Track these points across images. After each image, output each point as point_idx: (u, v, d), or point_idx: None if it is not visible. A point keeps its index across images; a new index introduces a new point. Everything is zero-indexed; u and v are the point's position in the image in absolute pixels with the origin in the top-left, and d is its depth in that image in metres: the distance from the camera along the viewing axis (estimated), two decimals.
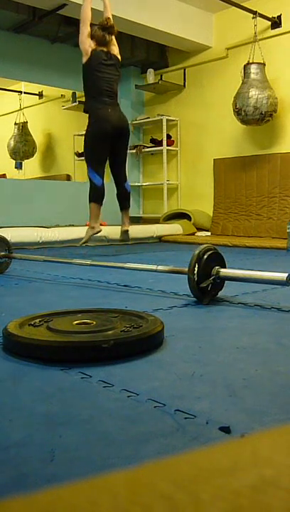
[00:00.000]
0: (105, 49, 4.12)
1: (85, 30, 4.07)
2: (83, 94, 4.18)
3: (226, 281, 2.08)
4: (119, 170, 4.35)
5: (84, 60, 4.08)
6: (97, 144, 4.11)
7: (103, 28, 4.07)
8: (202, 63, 6.49)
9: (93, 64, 4.05)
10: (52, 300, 2.21)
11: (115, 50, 4.20)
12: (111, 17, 4.21)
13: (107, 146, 4.12)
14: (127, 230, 4.34)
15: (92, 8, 4.24)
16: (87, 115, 4.14)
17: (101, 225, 4.39)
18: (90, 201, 4.19)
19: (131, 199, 4.46)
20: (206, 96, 6.50)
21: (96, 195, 4.16)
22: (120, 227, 4.45)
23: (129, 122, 7.03)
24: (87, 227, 4.30)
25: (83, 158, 7.54)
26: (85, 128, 4.19)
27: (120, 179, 4.36)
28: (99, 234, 4.25)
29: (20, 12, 5.41)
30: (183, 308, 1.95)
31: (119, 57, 4.23)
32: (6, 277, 2.88)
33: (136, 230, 5.09)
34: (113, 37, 4.15)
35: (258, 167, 5.93)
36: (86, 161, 4.23)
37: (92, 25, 4.09)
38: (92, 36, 4.07)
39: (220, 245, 4.39)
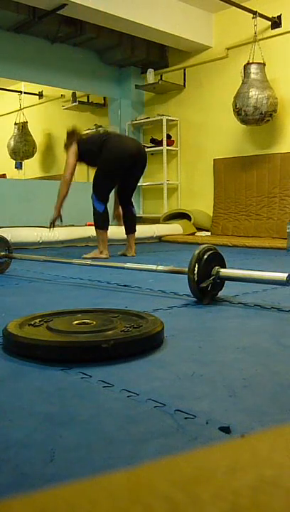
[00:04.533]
0: None
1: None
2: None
3: (226, 281, 2.08)
4: (129, 195, 4.23)
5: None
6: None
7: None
8: (202, 63, 6.49)
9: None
10: (52, 300, 2.21)
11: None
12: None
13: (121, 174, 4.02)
14: (134, 257, 4.10)
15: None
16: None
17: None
18: (97, 228, 4.02)
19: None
20: (206, 96, 6.50)
21: (104, 222, 4.01)
22: (124, 250, 4.22)
23: (129, 122, 7.07)
24: (95, 250, 4.00)
25: None
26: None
27: (128, 202, 4.23)
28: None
29: (20, 12, 5.41)
30: (183, 308, 1.95)
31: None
32: (6, 277, 2.88)
33: (136, 230, 5.09)
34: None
35: (258, 167, 5.93)
36: (95, 190, 4.00)
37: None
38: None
39: (220, 245, 4.39)
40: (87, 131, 7.54)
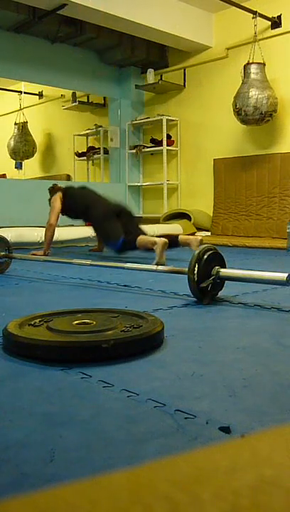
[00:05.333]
0: None
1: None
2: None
3: (226, 281, 2.08)
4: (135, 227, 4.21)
5: None
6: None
7: None
8: (202, 63, 6.49)
9: None
10: (52, 300, 2.21)
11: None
12: None
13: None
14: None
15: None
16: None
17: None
18: (138, 249, 3.83)
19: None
20: (206, 96, 6.49)
21: (131, 245, 3.84)
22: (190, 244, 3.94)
23: (129, 122, 7.07)
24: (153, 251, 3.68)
25: (83, 158, 7.60)
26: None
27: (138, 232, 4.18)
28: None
29: (20, 12, 5.40)
30: (183, 308, 1.95)
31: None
32: (6, 277, 2.88)
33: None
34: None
35: (258, 167, 5.93)
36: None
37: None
38: None
39: (220, 245, 4.39)
40: (87, 131, 7.57)
